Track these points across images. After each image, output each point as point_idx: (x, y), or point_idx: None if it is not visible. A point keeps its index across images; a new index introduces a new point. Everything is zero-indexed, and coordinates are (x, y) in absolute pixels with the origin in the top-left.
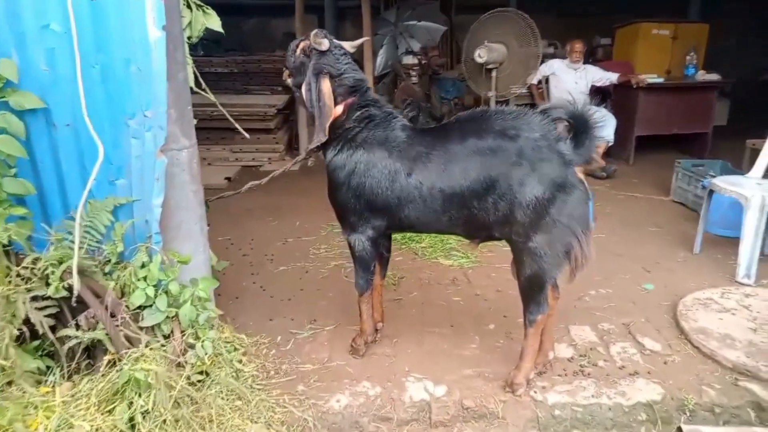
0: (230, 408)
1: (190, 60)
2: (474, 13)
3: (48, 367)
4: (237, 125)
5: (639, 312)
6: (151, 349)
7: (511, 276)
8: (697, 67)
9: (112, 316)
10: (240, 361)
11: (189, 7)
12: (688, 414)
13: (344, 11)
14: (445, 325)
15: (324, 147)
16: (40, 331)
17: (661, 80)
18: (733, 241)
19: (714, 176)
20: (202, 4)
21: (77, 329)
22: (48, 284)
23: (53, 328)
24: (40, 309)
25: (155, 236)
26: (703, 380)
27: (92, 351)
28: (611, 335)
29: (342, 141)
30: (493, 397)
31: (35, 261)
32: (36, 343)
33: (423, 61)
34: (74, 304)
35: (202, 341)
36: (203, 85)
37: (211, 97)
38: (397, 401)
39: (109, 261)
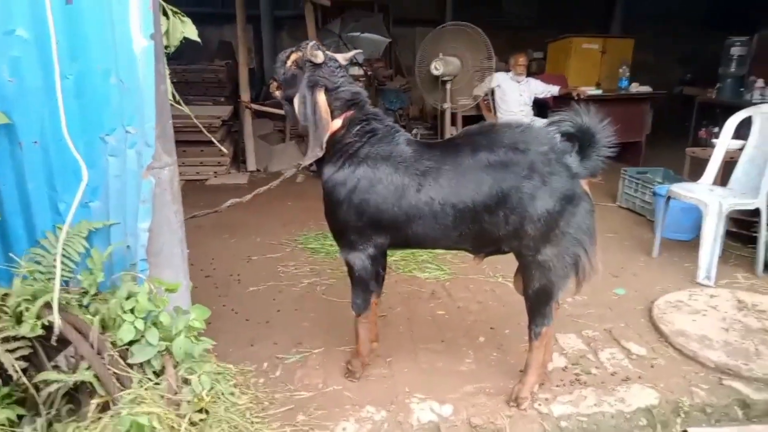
0: None
1: (167, 71)
2: (409, 26)
3: (20, 417)
4: (213, 138)
5: (617, 317)
6: (146, 389)
7: (488, 288)
8: (630, 80)
9: (98, 354)
10: (232, 394)
11: (166, 14)
12: (683, 416)
13: (281, 21)
14: (436, 340)
15: (320, 163)
16: (14, 377)
17: (599, 92)
18: (685, 245)
19: (661, 183)
20: (178, 11)
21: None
22: (20, 322)
23: (24, 372)
24: (11, 351)
25: (141, 263)
26: (691, 381)
27: (74, 395)
28: (597, 342)
29: (342, 156)
30: (499, 413)
31: (4, 297)
32: (5, 390)
33: (368, 73)
34: (54, 343)
35: (199, 376)
36: (177, 97)
37: (186, 110)
38: (405, 424)
39: (86, 293)
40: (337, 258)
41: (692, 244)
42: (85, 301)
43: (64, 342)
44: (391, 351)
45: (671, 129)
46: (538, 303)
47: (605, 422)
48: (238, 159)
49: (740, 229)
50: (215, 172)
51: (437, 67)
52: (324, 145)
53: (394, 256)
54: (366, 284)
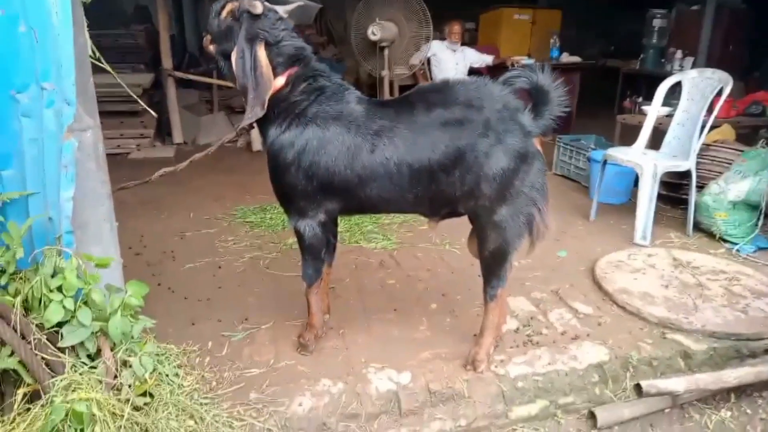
0: (184, 430)
1: (85, 21)
2: None
3: None
4: (142, 103)
5: (562, 278)
6: (81, 373)
7: (436, 256)
8: (561, 50)
9: (22, 338)
10: (177, 375)
11: None
12: (631, 370)
13: None
14: (389, 309)
15: (262, 124)
16: None
17: (532, 62)
18: (619, 208)
19: (594, 149)
20: None
21: None
22: None
23: None
24: None
25: (66, 236)
26: (637, 337)
27: None
28: (545, 303)
29: (288, 116)
30: (456, 377)
31: None
32: None
33: None
34: None
35: (140, 357)
36: (98, 54)
37: (110, 70)
38: (364, 395)
39: (3, 271)
40: (279, 231)
41: (625, 207)
42: (2, 281)
43: None
44: (344, 323)
45: (596, 99)
46: (494, 264)
47: (559, 380)
48: (163, 131)
49: (669, 191)
50: (138, 145)
51: (374, 32)
52: (266, 104)
53: (339, 227)
54: (318, 253)
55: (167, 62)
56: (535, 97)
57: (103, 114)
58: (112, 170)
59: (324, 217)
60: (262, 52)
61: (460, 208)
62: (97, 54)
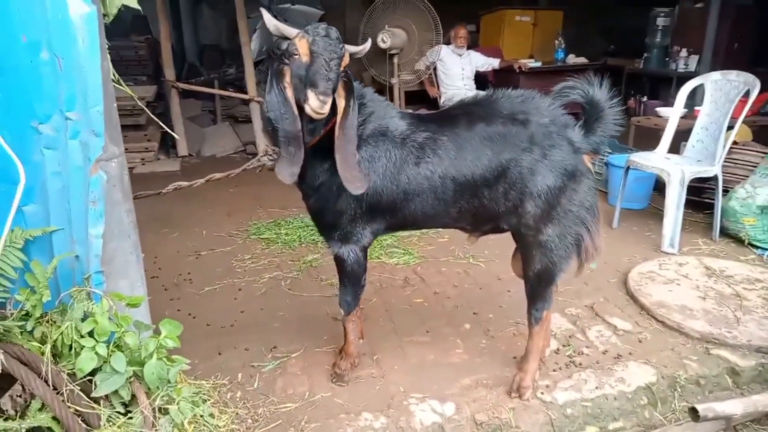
0: None
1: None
2: None
3: None
4: (165, 126)
5: (595, 292)
6: (119, 426)
7: (461, 270)
8: (566, 52)
9: (54, 389)
10: (212, 416)
11: None
12: (679, 390)
13: None
14: (421, 331)
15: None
16: None
17: (539, 64)
18: (640, 213)
19: (610, 153)
20: None
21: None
22: None
23: None
24: None
25: (95, 276)
26: (680, 354)
27: None
28: (582, 320)
29: None
30: (502, 406)
31: None
32: None
33: None
34: None
35: (177, 403)
36: (117, 76)
37: (128, 90)
38: (408, 429)
39: (29, 315)
40: (297, 248)
41: (645, 212)
42: (28, 326)
43: (6, 379)
44: (377, 347)
45: None
46: (539, 286)
47: (608, 404)
48: (167, 144)
49: (692, 195)
50: (143, 159)
51: (384, 40)
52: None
53: None
54: (359, 279)
55: (170, 73)
56: (588, 112)
57: None
58: None
59: (369, 239)
60: None
61: (504, 224)
62: (117, 76)
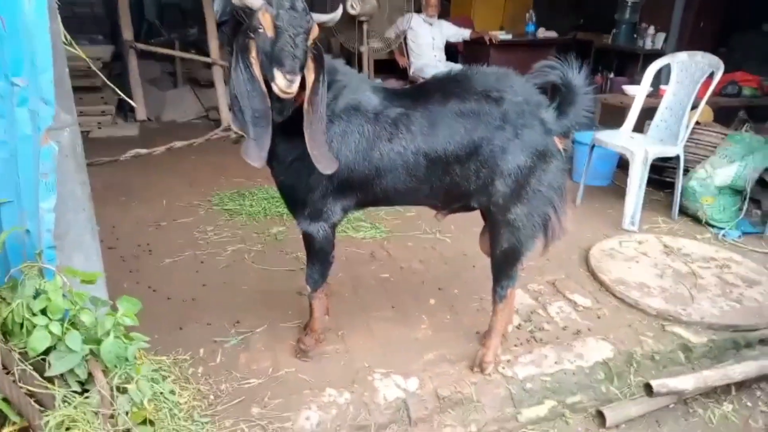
0: None
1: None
2: None
3: None
4: (121, 93)
5: (557, 268)
6: (74, 407)
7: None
8: (537, 25)
9: (4, 369)
10: (173, 392)
11: None
12: (635, 366)
13: None
14: (386, 307)
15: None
16: None
17: (509, 37)
18: (603, 190)
19: (577, 129)
20: None
21: None
22: None
23: None
24: None
25: (48, 252)
26: (637, 330)
27: None
28: (544, 296)
29: None
30: (464, 381)
31: None
32: None
33: None
34: None
35: (137, 381)
36: (69, 38)
37: (83, 55)
38: (372, 405)
39: None
40: (261, 220)
41: (609, 189)
42: None
43: None
44: (342, 323)
45: None
46: (506, 264)
47: (567, 379)
48: (125, 108)
49: (653, 174)
50: (99, 124)
51: (354, 6)
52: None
53: None
54: (327, 256)
55: (128, 33)
56: (563, 95)
57: None
58: None
59: (339, 216)
60: None
61: (474, 202)
62: (69, 38)
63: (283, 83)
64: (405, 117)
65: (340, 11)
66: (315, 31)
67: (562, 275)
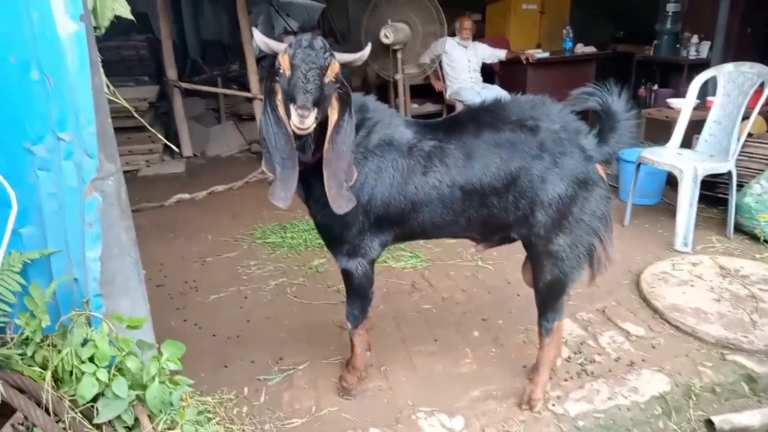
0: None
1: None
2: None
3: None
4: (161, 137)
5: (607, 295)
6: None
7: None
8: (574, 41)
9: (54, 417)
10: None
11: None
12: (694, 399)
13: None
14: (429, 340)
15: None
16: None
17: (547, 55)
18: (651, 209)
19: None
20: None
21: None
22: None
23: None
24: None
25: (95, 300)
26: (695, 360)
27: None
28: (594, 325)
29: None
30: (512, 419)
31: None
32: None
33: None
34: None
35: (182, 426)
36: (112, 88)
37: (124, 103)
38: None
39: (29, 340)
40: (303, 252)
41: (657, 208)
42: (29, 351)
43: (8, 407)
44: (384, 358)
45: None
46: (550, 296)
47: (621, 415)
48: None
49: (704, 190)
50: (147, 161)
51: (387, 35)
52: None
53: None
54: (366, 292)
55: (172, 73)
56: (604, 121)
57: None
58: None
59: (377, 252)
60: None
61: (514, 234)
62: (112, 88)
63: (295, 119)
64: (439, 150)
65: (366, 51)
66: (334, 68)
67: (612, 302)
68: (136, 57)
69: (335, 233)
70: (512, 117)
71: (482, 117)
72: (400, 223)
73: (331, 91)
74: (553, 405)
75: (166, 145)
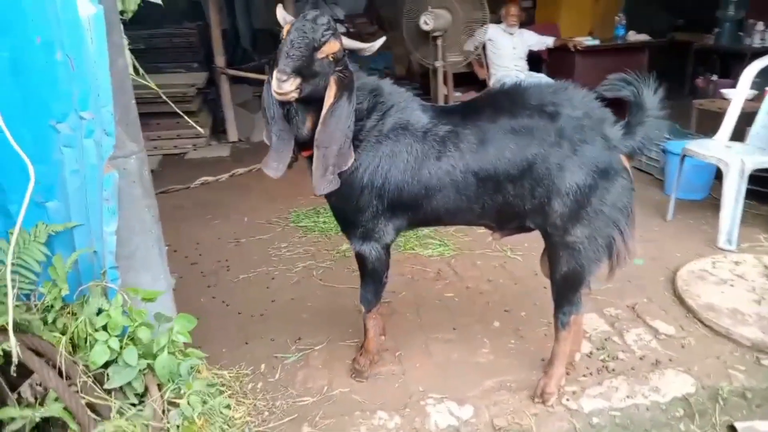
0: None
1: (125, 41)
2: None
3: None
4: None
5: (639, 291)
6: (127, 418)
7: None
8: (627, 28)
9: (68, 379)
10: (228, 407)
11: None
12: (722, 403)
13: None
14: (448, 328)
15: None
16: None
17: (596, 42)
18: (698, 205)
19: (668, 138)
20: None
21: (19, 405)
22: None
23: None
24: None
25: (111, 272)
26: (726, 363)
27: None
28: (621, 321)
29: (359, 139)
30: (523, 412)
31: None
32: None
33: (351, 30)
34: (13, 374)
35: (188, 396)
36: (141, 71)
37: (152, 85)
38: (422, 431)
39: (51, 307)
40: (333, 236)
41: (705, 204)
42: (50, 318)
43: (27, 367)
44: (401, 343)
45: (666, 78)
46: (566, 289)
47: (639, 415)
48: (218, 129)
49: (755, 185)
50: (194, 145)
51: (427, 22)
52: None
53: None
54: (380, 277)
55: (220, 60)
56: (634, 114)
57: (159, 115)
58: (170, 170)
59: (392, 236)
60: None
61: (530, 223)
62: (141, 71)
63: (274, 83)
64: (453, 134)
65: (378, 43)
66: (332, 47)
67: (643, 299)
68: (186, 44)
69: (349, 216)
70: (532, 102)
71: (501, 101)
72: (414, 208)
73: (325, 69)
74: (568, 400)
75: (213, 130)
